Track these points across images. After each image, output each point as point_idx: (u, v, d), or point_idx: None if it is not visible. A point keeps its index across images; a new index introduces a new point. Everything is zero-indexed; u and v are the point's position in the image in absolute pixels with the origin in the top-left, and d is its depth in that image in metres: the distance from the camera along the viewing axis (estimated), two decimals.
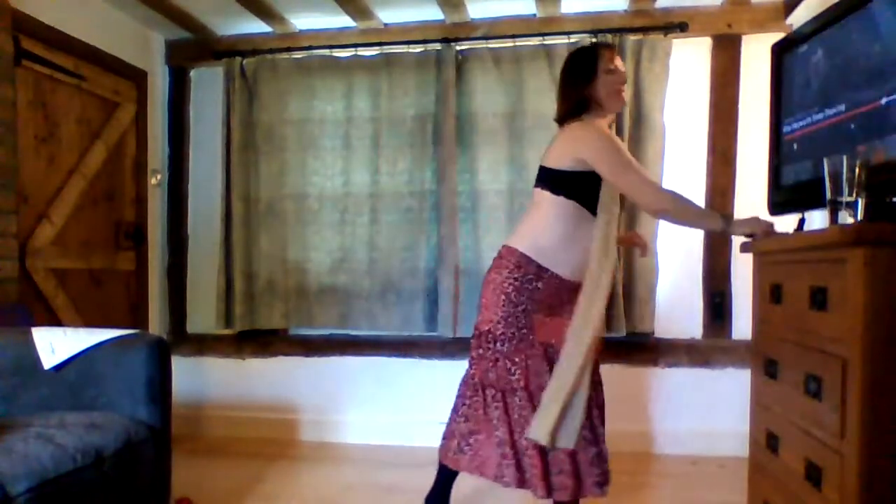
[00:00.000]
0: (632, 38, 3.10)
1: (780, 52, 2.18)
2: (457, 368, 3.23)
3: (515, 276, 2.03)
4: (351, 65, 3.38)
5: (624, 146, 2.06)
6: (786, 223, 2.18)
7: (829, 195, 1.57)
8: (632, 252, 3.10)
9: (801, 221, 2.09)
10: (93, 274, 3.13)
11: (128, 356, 2.00)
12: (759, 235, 1.90)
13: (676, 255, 3.19)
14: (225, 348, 3.57)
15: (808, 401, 1.53)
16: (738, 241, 3.00)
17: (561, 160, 2.02)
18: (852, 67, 1.79)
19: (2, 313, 2.36)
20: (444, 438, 2.22)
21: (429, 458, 3.07)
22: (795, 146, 2.06)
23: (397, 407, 3.35)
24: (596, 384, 2.06)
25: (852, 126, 1.77)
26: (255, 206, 3.44)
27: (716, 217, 2.00)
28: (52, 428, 1.70)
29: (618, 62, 2.11)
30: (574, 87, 2.09)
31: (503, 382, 2.05)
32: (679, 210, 1.94)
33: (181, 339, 3.60)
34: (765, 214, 2.24)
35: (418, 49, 3.31)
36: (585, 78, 2.08)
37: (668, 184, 3.13)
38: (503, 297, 2.04)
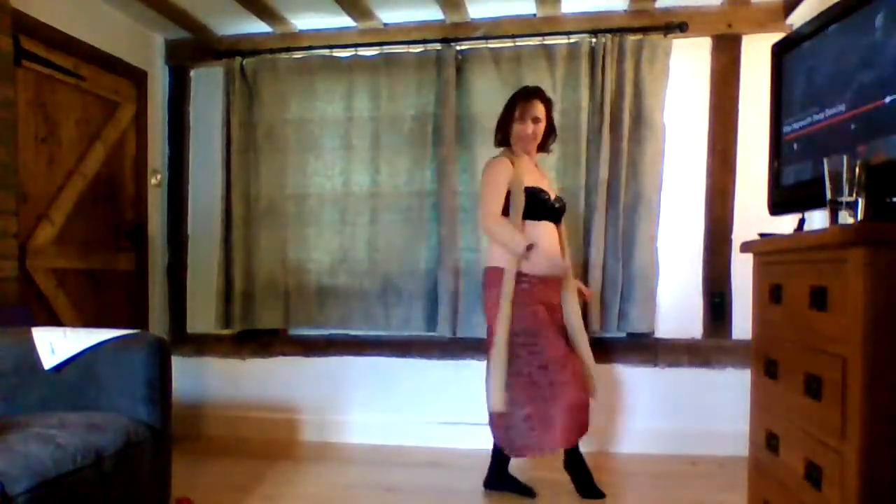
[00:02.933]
0: (632, 38, 3.10)
1: (780, 53, 2.18)
2: (456, 369, 3.29)
3: None
4: (351, 65, 3.38)
5: (502, 179, 2.47)
6: (786, 223, 2.18)
7: (829, 195, 1.57)
8: (630, 251, 3.11)
9: (801, 221, 2.09)
10: (93, 274, 3.13)
11: (128, 356, 2.00)
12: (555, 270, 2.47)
13: (676, 255, 3.19)
14: (225, 348, 3.56)
15: (808, 401, 1.53)
16: (738, 241, 3.01)
17: None
18: (852, 67, 1.78)
19: (2, 313, 2.36)
20: None
21: (429, 457, 3.08)
22: (795, 146, 2.06)
23: (397, 407, 3.35)
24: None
25: (852, 126, 1.77)
26: (255, 206, 3.44)
27: (521, 246, 2.40)
28: (52, 428, 1.70)
29: (533, 111, 2.50)
30: (498, 125, 2.61)
31: None
32: (494, 234, 2.47)
33: (181, 339, 3.59)
34: (765, 214, 2.25)
35: (418, 49, 3.31)
36: (505, 121, 2.58)
37: (668, 184, 3.16)
38: None
